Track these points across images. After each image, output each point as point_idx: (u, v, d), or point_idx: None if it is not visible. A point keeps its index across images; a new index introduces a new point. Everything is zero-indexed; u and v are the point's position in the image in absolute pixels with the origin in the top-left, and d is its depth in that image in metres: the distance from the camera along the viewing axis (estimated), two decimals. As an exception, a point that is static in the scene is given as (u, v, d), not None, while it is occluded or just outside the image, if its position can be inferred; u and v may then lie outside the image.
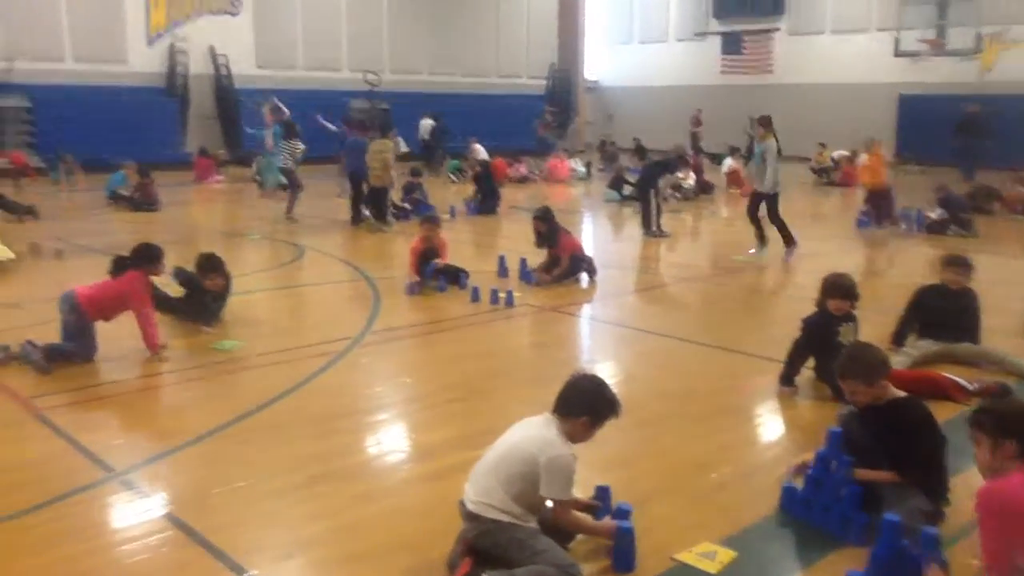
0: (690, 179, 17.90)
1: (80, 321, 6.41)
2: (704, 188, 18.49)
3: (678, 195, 17.12)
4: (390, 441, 5.26)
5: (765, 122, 11.64)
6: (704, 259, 12.00)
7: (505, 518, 3.50)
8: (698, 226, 15.42)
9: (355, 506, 4.29)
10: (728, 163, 20.67)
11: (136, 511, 4.18)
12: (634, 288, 9.89)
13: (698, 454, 4.91)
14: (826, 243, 12.42)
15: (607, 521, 3.81)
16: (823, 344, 5.74)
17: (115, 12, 23.76)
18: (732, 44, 31.33)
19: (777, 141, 11.50)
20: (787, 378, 5.91)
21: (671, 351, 7.21)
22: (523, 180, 21.11)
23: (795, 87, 29.11)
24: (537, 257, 9.76)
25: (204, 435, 5.08)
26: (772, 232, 11.27)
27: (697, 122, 28.69)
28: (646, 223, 12.84)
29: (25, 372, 6.18)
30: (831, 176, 21.59)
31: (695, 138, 27.79)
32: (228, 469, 4.65)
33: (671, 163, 13.86)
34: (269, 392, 5.85)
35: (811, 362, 5.97)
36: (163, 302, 7.31)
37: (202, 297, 7.52)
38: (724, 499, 4.36)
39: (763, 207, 11.30)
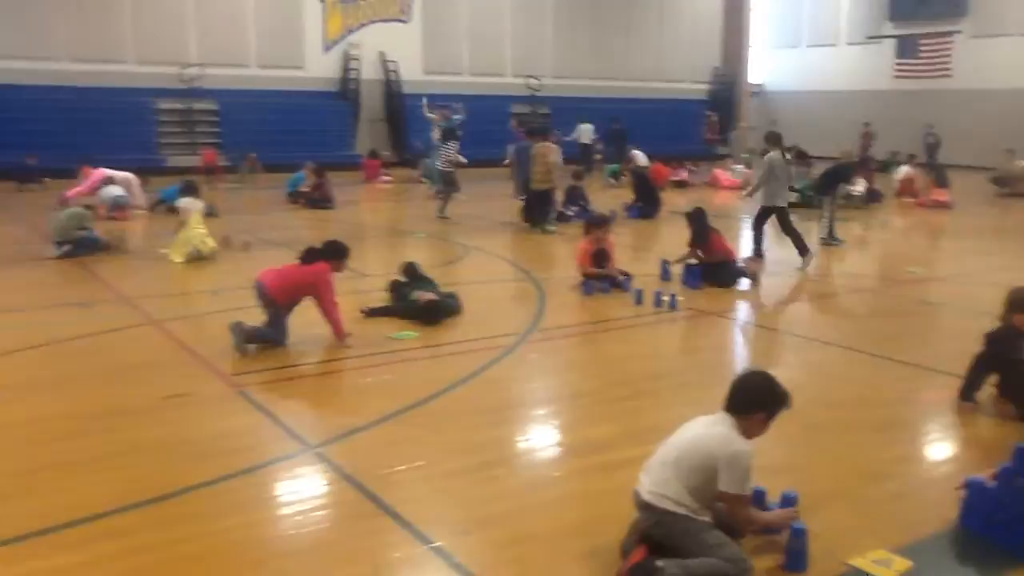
0: (860, 187, 17.30)
1: (271, 307, 6.94)
2: (873, 196, 17.82)
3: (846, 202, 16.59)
4: (558, 433, 5.44)
5: (772, 139, 11.54)
6: (874, 269, 11.62)
7: (680, 510, 3.60)
8: (868, 235, 14.89)
9: (526, 491, 4.50)
10: (903, 171, 19.80)
11: (329, 481, 4.54)
12: (801, 296, 9.71)
13: (871, 463, 4.84)
14: (1009, 256, 11.76)
15: (780, 510, 3.88)
16: (1007, 360, 5.52)
17: (295, 21, 25.22)
18: (908, 47, 29.95)
19: (784, 156, 11.16)
20: (968, 393, 5.71)
21: (839, 360, 7.07)
22: (684, 185, 20.97)
23: (977, 92, 27.54)
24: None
25: (386, 417, 5.42)
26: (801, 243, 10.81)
27: (867, 134, 27.68)
28: (822, 231, 12.66)
29: (228, 351, 6.76)
30: (1018, 187, 20.23)
31: (864, 146, 26.76)
32: (409, 449, 4.96)
33: (849, 170, 13.53)
34: (442, 381, 6.16)
35: (993, 378, 5.74)
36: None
37: (411, 305, 7.94)
38: (898, 509, 4.29)
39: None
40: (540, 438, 5.38)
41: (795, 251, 10.70)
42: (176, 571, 3.65)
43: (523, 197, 14.49)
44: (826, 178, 13.10)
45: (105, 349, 7.03)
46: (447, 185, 15.04)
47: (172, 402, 5.68)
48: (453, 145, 15.23)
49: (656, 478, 3.70)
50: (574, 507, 4.30)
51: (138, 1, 22.91)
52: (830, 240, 12.51)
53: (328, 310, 6.90)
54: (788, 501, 3.93)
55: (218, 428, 5.32)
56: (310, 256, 7.05)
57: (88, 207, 11.72)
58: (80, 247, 10.86)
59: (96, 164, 16.87)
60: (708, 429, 3.73)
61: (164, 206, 14.56)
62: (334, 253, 7.07)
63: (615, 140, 24.57)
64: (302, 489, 4.51)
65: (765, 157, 11.42)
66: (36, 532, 3.92)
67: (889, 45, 30.54)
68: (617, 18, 30.43)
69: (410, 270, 8.65)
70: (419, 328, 7.57)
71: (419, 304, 7.81)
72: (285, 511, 4.29)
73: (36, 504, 4.22)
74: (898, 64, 30.28)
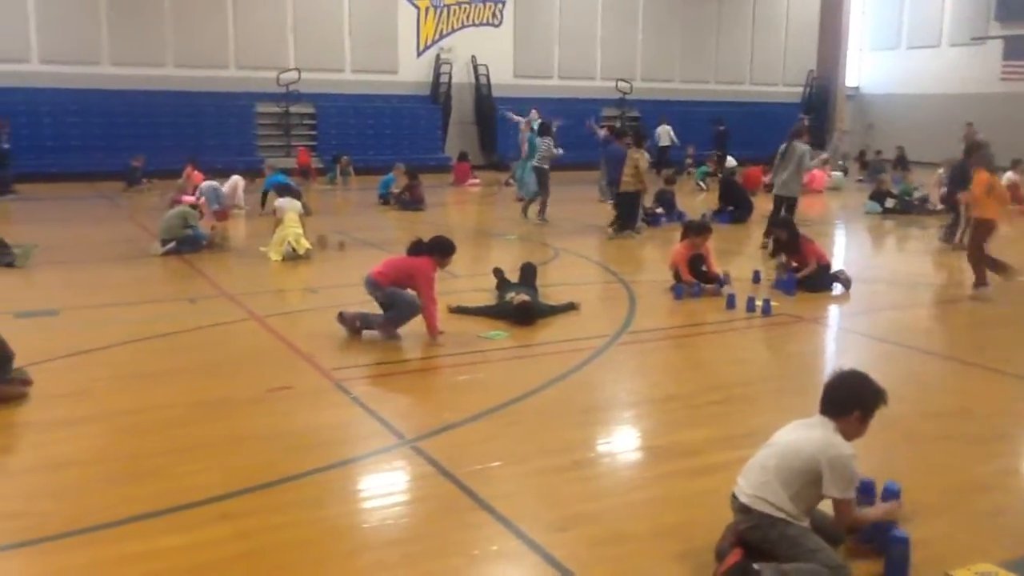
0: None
1: (377, 291, 7.17)
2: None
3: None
4: (650, 435, 5.45)
5: (798, 132, 12.01)
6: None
7: (778, 514, 3.58)
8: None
9: (620, 491, 4.53)
10: (1008, 176, 19.03)
11: (426, 475, 4.65)
12: (898, 303, 9.45)
13: (976, 476, 4.71)
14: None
15: (884, 505, 3.87)
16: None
17: (390, 27, 25.68)
18: (1018, 48, 28.74)
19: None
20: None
21: (940, 370, 6.89)
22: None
23: (1091, 94, 26.30)
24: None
25: (480, 414, 5.52)
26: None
27: (969, 135, 26.64)
28: (949, 233, 12.39)
29: (326, 346, 6.98)
30: None
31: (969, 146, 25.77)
32: (503, 446, 5.05)
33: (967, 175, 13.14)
34: (534, 381, 6.23)
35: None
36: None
37: (505, 305, 8.08)
38: (1003, 523, 4.17)
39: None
40: (632, 440, 5.40)
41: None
42: (281, 555, 3.80)
43: (611, 200, 14.46)
44: (957, 179, 12.72)
45: (211, 342, 7.33)
46: (540, 185, 15.07)
47: (275, 394, 5.89)
48: (549, 140, 15.27)
49: (755, 481, 3.68)
50: (668, 509, 4.30)
51: (240, 10, 23.68)
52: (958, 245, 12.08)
53: (425, 304, 7.05)
54: (890, 493, 3.89)
55: (318, 420, 5.49)
56: (416, 249, 7.22)
57: (194, 206, 12.17)
58: (184, 244, 11.31)
59: (198, 166, 17.56)
60: (807, 432, 3.70)
61: (268, 195, 15.04)
62: (440, 248, 7.22)
63: (718, 142, 24.26)
64: (400, 481, 4.63)
65: (795, 147, 11.69)
66: (151, 513, 4.13)
67: (995, 46, 29.35)
68: (709, 21, 30.08)
69: (527, 270, 8.85)
70: (509, 328, 7.66)
71: (512, 304, 7.91)
72: (384, 502, 4.41)
73: (151, 487, 4.44)
74: (1006, 65, 29.10)
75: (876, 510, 3.87)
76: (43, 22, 21.56)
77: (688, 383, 6.43)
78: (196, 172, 17.13)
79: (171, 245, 11.23)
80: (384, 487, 4.58)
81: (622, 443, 5.33)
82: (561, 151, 16.06)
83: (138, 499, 4.27)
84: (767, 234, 11.46)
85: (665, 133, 24.16)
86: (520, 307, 7.87)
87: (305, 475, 4.61)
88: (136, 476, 4.59)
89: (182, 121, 22.15)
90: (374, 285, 7.16)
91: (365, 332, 7.27)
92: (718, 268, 9.37)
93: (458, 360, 6.80)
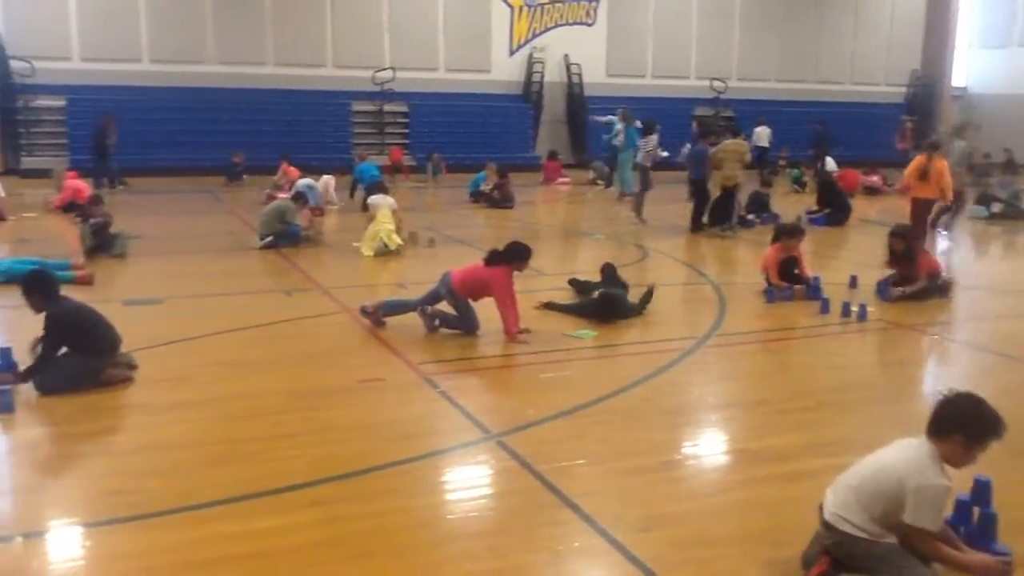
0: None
1: (455, 299, 7.24)
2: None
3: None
4: (739, 439, 5.36)
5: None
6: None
7: (860, 534, 3.46)
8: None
9: (706, 494, 4.48)
10: None
11: (511, 470, 4.69)
12: (1003, 312, 9.07)
13: (1084, 494, 4.49)
14: None
15: (984, 556, 3.58)
16: None
17: (484, 26, 25.91)
18: None
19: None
20: None
21: (1049, 383, 6.58)
22: (875, 192, 20.01)
23: None
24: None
25: (566, 411, 5.53)
26: None
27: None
28: None
29: (414, 340, 7.10)
30: None
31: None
32: (589, 445, 5.05)
33: None
34: (621, 380, 6.20)
35: None
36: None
37: (589, 302, 8.12)
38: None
39: None
40: (719, 443, 5.33)
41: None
42: (368, 542, 3.88)
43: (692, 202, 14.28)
44: None
45: (305, 334, 7.53)
46: (643, 183, 14.99)
47: (365, 386, 6.02)
48: (652, 139, 15.18)
49: (839, 499, 3.57)
50: (755, 513, 4.24)
51: (338, 10, 24.24)
52: None
53: (502, 311, 7.11)
54: (999, 554, 3.63)
55: (406, 412, 5.59)
56: (492, 259, 7.29)
57: (295, 199, 12.50)
58: (281, 239, 11.63)
59: (294, 162, 18.05)
60: (899, 454, 3.53)
61: (360, 188, 15.51)
62: (515, 254, 7.27)
63: (817, 142, 23.71)
64: (484, 475, 4.68)
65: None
66: (245, 496, 4.28)
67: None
68: (808, 18, 29.38)
69: (608, 271, 8.82)
70: (597, 327, 7.64)
71: (595, 297, 7.91)
72: (468, 494, 4.47)
73: (247, 471, 4.60)
74: None
75: (970, 557, 3.55)
76: (153, 23, 22.49)
77: (778, 388, 6.31)
78: (291, 168, 17.62)
79: (269, 239, 11.56)
80: (469, 480, 4.64)
81: (709, 446, 5.27)
82: (666, 153, 15.96)
83: (234, 482, 4.43)
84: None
85: (764, 134, 23.70)
86: (602, 298, 7.87)
87: (393, 465, 4.70)
88: (232, 460, 4.76)
89: (280, 119, 22.83)
90: (450, 289, 7.25)
91: (443, 328, 7.38)
92: (810, 272, 9.15)
93: (545, 358, 6.82)
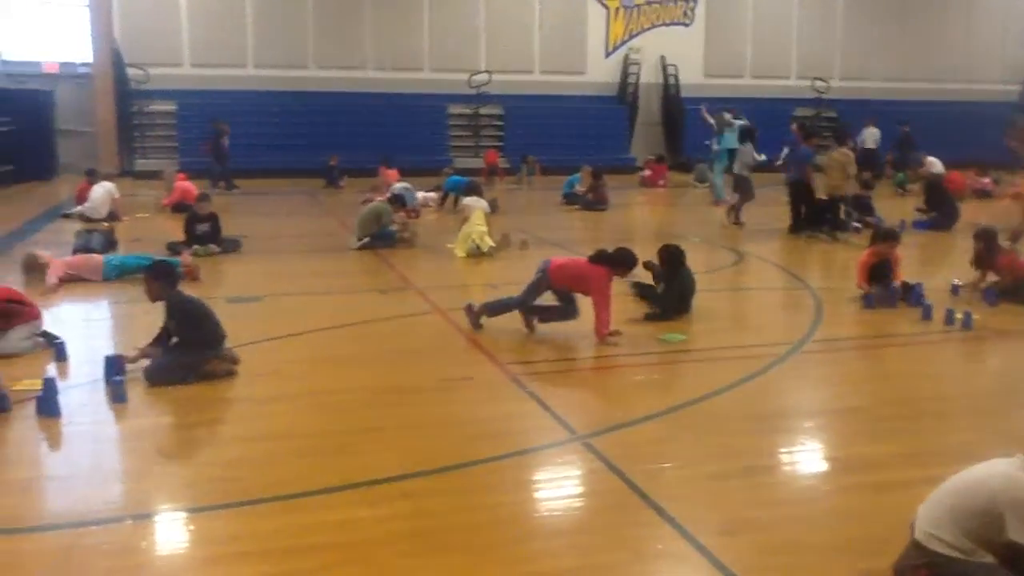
0: None
1: (552, 287, 7.34)
2: None
3: None
4: (829, 446, 5.27)
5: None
6: None
7: (952, 553, 3.34)
8: None
9: (794, 501, 4.42)
10: None
11: (596, 471, 4.71)
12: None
13: None
14: None
15: None
16: None
17: (579, 28, 25.94)
18: None
19: None
20: None
21: None
22: (986, 195, 19.20)
23: None
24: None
25: (654, 415, 5.52)
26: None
27: None
28: None
29: (504, 341, 7.19)
30: None
31: None
32: (675, 448, 5.04)
33: None
34: (711, 385, 6.15)
35: None
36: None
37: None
38: None
39: None
40: (810, 450, 5.23)
41: None
42: (454, 535, 3.97)
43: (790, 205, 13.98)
44: None
45: (399, 332, 7.72)
46: (742, 191, 14.80)
47: (456, 384, 6.15)
48: (750, 146, 14.97)
49: (931, 515, 3.46)
50: (844, 523, 4.16)
51: (435, 14, 24.64)
52: None
53: (596, 310, 7.12)
54: None
55: (494, 411, 5.68)
56: (597, 257, 7.31)
57: (391, 201, 12.77)
58: (377, 240, 11.91)
59: (392, 165, 18.44)
60: (992, 468, 3.40)
61: (451, 196, 15.83)
62: (618, 261, 7.26)
63: (901, 145, 22.93)
64: (569, 475, 4.73)
65: None
66: (338, 487, 4.43)
67: None
68: (916, 15, 28.36)
69: (667, 255, 8.48)
70: (689, 331, 7.59)
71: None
72: (553, 493, 4.53)
73: (339, 463, 4.75)
74: None
75: None
76: (258, 30, 23.32)
77: (874, 395, 6.14)
78: (390, 171, 18.01)
79: (365, 240, 11.85)
80: (554, 479, 4.69)
81: (799, 452, 5.18)
82: (763, 157, 15.72)
83: (326, 472, 4.59)
84: None
85: (871, 136, 23.01)
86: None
87: (480, 462, 4.79)
88: (325, 452, 4.93)
89: (378, 122, 23.33)
90: (547, 277, 7.33)
91: (540, 326, 7.44)
92: (904, 277, 8.84)
93: (634, 360, 6.82)
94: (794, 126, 17.60)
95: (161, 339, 6.19)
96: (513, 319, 7.51)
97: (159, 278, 6.17)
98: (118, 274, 9.50)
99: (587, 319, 7.22)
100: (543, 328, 7.44)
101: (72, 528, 4.02)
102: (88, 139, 22.38)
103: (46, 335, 6.94)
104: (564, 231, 14.09)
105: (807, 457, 5.12)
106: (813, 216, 13.39)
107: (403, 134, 23.36)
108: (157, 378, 5.95)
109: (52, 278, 9.14)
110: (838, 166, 13.09)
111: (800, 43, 27.58)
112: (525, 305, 7.49)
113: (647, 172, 22.16)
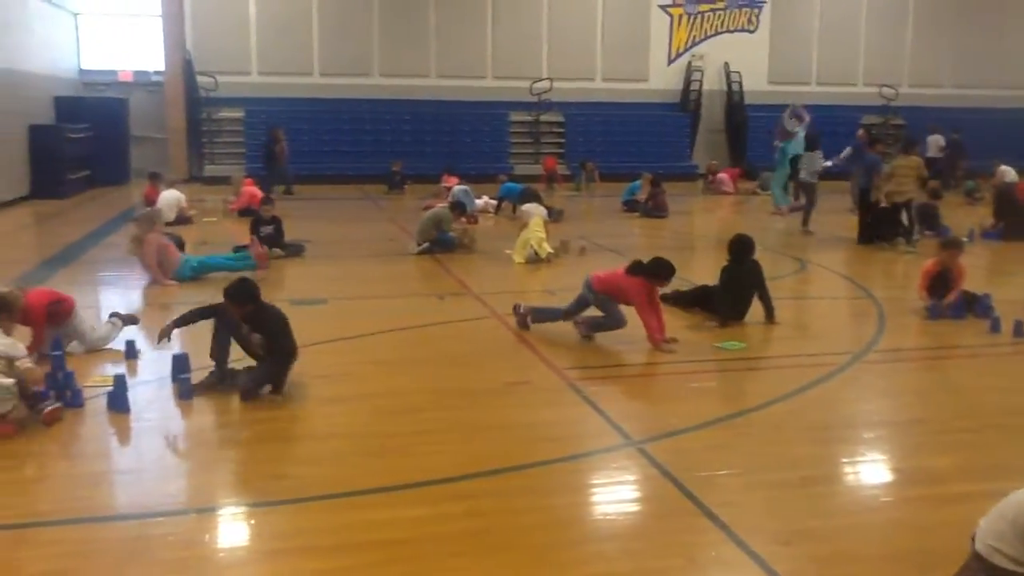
0: None
1: (593, 295, 7.37)
2: None
3: None
4: (889, 457, 5.19)
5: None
6: None
7: (1014, 567, 3.27)
8: None
9: (852, 512, 4.37)
10: None
11: (650, 476, 4.71)
12: None
13: None
14: None
15: None
16: None
17: (642, 36, 25.83)
18: None
19: None
20: None
21: None
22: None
23: None
24: None
25: (709, 422, 5.50)
26: None
27: None
28: None
29: (561, 346, 7.23)
30: None
31: None
32: (730, 455, 5.01)
33: None
34: (768, 393, 6.10)
35: None
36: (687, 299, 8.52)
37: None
38: None
39: None
40: (869, 460, 5.15)
41: None
42: (508, 536, 4.02)
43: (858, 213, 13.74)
44: None
45: (455, 336, 7.80)
46: (809, 198, 14.62)
47: (511, 388, 6.20)
48: (817, 153, 14.78)
49: (993, 528, 3.39)
50: (903, 535, 4.10)
51: (499, 22, 24.79)
52: None
53: (643, 320, 7.14)
54: None
55: (550, 415, 5.71)
56: (634, 268, 7.32)
57: (451, 208, 12.87)
58: (437, 245, 12.03)
59: (454, 173, 18.60)
60: None
61: (506, 203, 16.00)
62: (656, 270, 7.28)
63: (951, 152, 22.31)
64: (623, 480, 4.73)
65: None
66: (395, 486, 4.51)
67: None
68: (990, 19, 27.56)
69: (737, 247, 8.34)
70: (747, 339, 7.53)
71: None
72: (607, 498, 4.55)
73: (395, 463, 4.84)
74: None
75: None
76: (324, 39, 23.74)
77: (937, 408, 6.02)
78: (452, 178, 18.19)
79: (425, 245, 11.98)
80: (608, 484, 4.70)
81: (857, 463, 5.10)
82: (829, 163, 15.52)
83: (384, 472, 4.68)
84: None
85: (934, 143, 22.48)
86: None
87: (535, 465, 4.83)
88: (383, 452, 5.02)
89: (440, 129, 23.57)
90: (590, 287, 7.38)
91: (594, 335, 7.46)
92: (970, 289, 8.62)
93: (691, 367, 6.79)
94: (860, 132, 17.31)
95: (191, 315, 6.22)
96: (569, 326, 7.54)
97: (244, 303, 6.05)
98: (194, 273, 9.75)
99: (638, 327, 7.21)
100: (599, 335, 7.45)
101: (140, 519, 4.17)
102: (159, 145, 23.02)
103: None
104: (622, 238, 14.05)
105: (867, 468, 5.04)
106: (878, 224, 13.14)
107: (465, 141, 23.57)
108: (252, 394, 5.86)
109: (161, 279, 9.66)
110: (905, 172, 12.83)
111: (868, 49, 27.06)
112: (569, 316, 7.55)
113: (723, 175, 21.93)
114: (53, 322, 6.71)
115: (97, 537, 4.03)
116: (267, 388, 5.94)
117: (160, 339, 6.20)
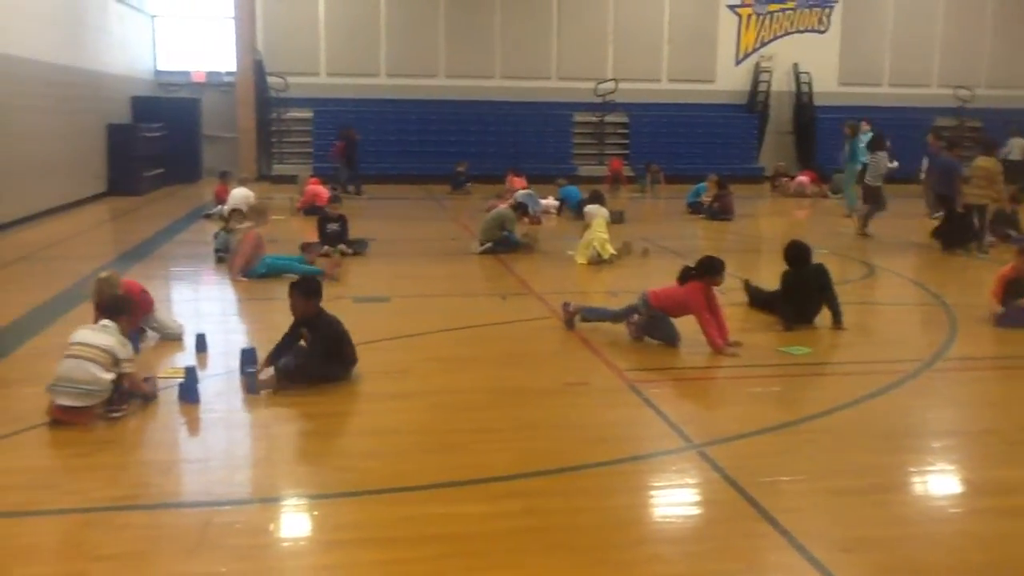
0: None
1: (651, 313, 7.32)
2: None
3: None
4: (959, 468, 5.05)
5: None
6: None
7: None
8: None
9: (918, 521, 4.28)
10: None
11: (710, 480, 4.67)
12: None
13: None
14: None
15: None
16: None
17: (710, 36, 25.57)
18: None
19: None
20: None
21: None
22: None
23: None
24: None
25: (773, 427, 5.43)
26: None
27: None
28: None
29: (621, 348, 7.21)
30: None
31: None
32: (793, 461, 4.95)
33: None
34: (834, 400, 6.00)
35: None
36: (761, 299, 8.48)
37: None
38: None
39: None
40: (937, 470, 5.02)
41: None
42: (566, 535, 4.02)
43: (937, 215, 13.40)
44: None
45: (517, 336, 7.83)
46: (873, 201, 14.32)
47: (572, 388, 6.20)
48: (882, 155, 14.48)
49: None
50: (971, 546, 4.00)
51: (564, 23, 24.78)
52: None
53: (703, 327, 7.07)
54: None
55: (610, 416, 5.70)
56: (685, 276, 7.27)
57: (514, 209, 12.92)
58: (500, 245, 12.08)
59: (520, 173, 18.64)
60: None
61: (566, 205, 16.00)
62: (707, 269, 7.23)
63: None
64: (683, 483, 4.70)
65: None
66: (454, 482, 4.56)
67: None
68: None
69: (793, 252, 8.23)
70: (813, 344, 7.42)
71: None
72: (666, 500, 4.53)
73: (455, 459, 4.89)
74: None
75: None
76: (391, 41, 24.03)
77: (1010, 418, 5.84)
78: (517, 178, 18.24)
79: (488, 245, 12.05)
80: (667, 486, 4.68)
81: (924, 473, 4.97)
82: (896, 164, 15.18)
83: (443, 468, 4.73)
84: None
85: (1017, 146, 21.77)
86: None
87: (593, 466, 4.83)
88: (443, 448, 5.07)
89: (504, 129, 23.66)
90: (647, 303, 7.33)
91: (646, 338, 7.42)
92: None
93: (754, 372, 6.71)
94: (930, 137, 16.88)
95: (286, 345, 6.29)
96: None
97: (309, 296, 6.20)
98: (266, 271, 9.94)
99: (699, 331, 7.14)
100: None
101: (207, 507, 4.28)
102: (230, 144, 23.53)
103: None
104: (686, 240, 13.92)
105: (935, 478, 4.92)
106: (955, 229, 12.78)
107: (529, 141, 23.60)
108: (289, 378, 5.99)
109: (235, 273, 9.98)
110: (983, 174, 12.48)
111: (944, 49, 26.36)
112: (619, 320, 7.56)
113: (802, 178, 21.56)
114: (141, 311, 6.94)
115: (167, 523, 4.16)
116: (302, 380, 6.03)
117: (259, 390, 6.00)
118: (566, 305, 7.90)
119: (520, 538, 3.98)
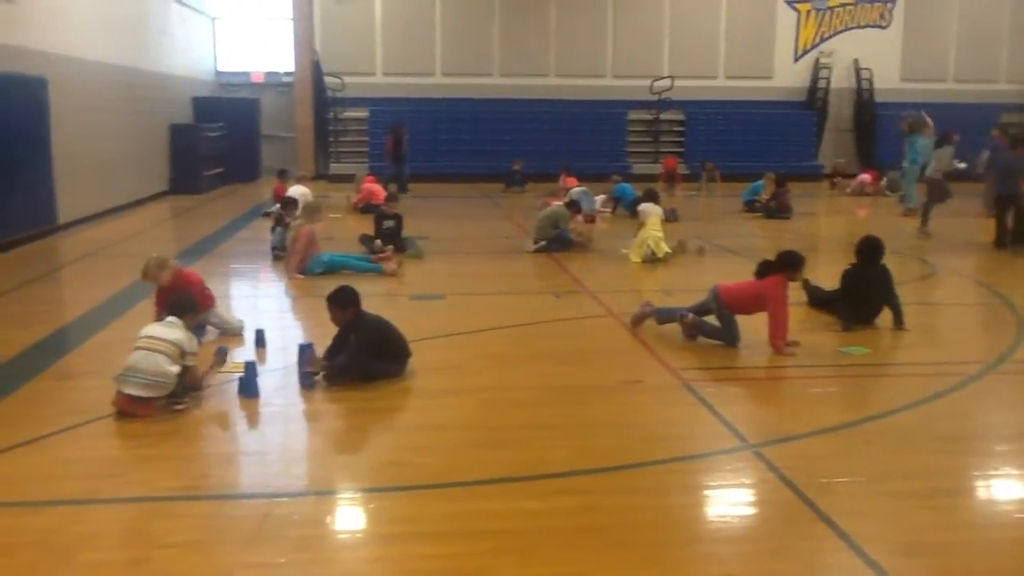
0: None
1: (721, 310, 7.20)
2: None
3: None
4: (1026, 473, 4.93)
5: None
6: None
7: None
8: None
9: (981, 526, 4.18)
10: None
11: (766, 480, 4.62)
12: None
13: None
14: None
15: None
16: None
17: (767, 32, 25.26)
18: None
19: None
20: None
21: None
22: None
23: None
24: None
25: (830, 428, 5.35)
26: None
27: None
28: None
29: (676, 346, 7.16)
30: None
31: None
32: (851, 462, 4.86)
33: None
34: (894, 401, 5.89)
35: None
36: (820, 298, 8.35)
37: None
38: None
39: None
40: (1000, 475, 4.89)
41: None
42: (621, 533, 4.01)
43: (994, 213, 13.03)
44: None
45: (571, 333, 7.82)
46: (933, 195, 14.02)
47: (626, 386, 6.18)
48: (948, 150, 14.16)
49: None
50: (1038, 553, 3.89)
51: (619, 21, 24.69)
52: None
53: (772, 322, 6.96)
54: None
55: (665, 415, 5.67)
56: (764, 270, 7.16)
57: (568, 207, 12.90)
58: (554, 243, 12.08)
59: (573, 173, 18.62)
60: None
61: (620, 203, 15.96)
62: (788, 263, 7.10)
63: None
64: (739, 483, 4.66)
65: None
66: (507, 478, 4.58)
67: None
68: None
69: (867, 248, 8.10)
70: (873, 345, 7.28)
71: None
72: (721, 499, 4.49)
73: (509, 456, 4.90)
74: None
75: None
76: (446, 40, 24.20)
77: (1080, 422, 5.68)
78: (570, 178, 18.21)
79: (542, 243, 12.05)
80: (722, 486, 4.64)
81: (987, 477, 4.85)
82: (963, 164, 14.84)
83: (497, 465, 4.75)
84: None
85: None
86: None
87: (648, 464, 4.81)
88: (497, 445, 5.09)
89: (559, 128, 23.66)
90: (717, 298, 7.23)
91: (701, 338, 7.34)
92: None
93: (812, 372, 6.61)
94: (995, 131, 16.41)
95: (338, 347, 6.33)
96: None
97: (344, 306, 6.26)
98: (324, 269, 10.07)
99: (761, 327, 7.05)
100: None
101: (266, 499, 4.36)
102: (288, 144, 23.93)
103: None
104: (743, 238, 13.77)
105: (999, 482, 4.80)
106: (1018, 229, 12.43)
107: (583, 140, 23.56)
108: (343, 372, 6.11)
109: (292, 271, 10.10)
110: None
111: (1012, 44, 25.66)
112: (683, 314, 7.43)
113: (864, 176, 21.20)
114: (203, 306, 7.08)
115: (227, 513, 4.25)
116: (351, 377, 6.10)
117: (314, 387, 6.10)
118: (646, 305, 7.80)
119: (575, 535, 3.98)
